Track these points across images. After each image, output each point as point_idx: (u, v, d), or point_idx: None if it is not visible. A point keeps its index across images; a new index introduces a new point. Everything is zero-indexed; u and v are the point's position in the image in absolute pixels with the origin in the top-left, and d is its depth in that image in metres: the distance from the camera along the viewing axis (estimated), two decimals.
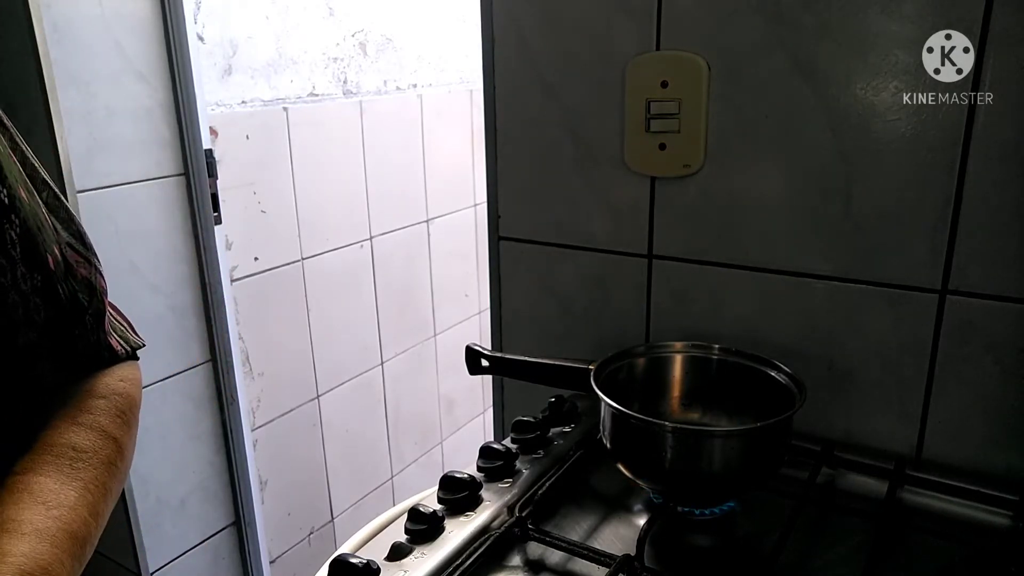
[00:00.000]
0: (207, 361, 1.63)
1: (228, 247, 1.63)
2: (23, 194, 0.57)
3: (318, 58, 1.79)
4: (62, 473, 0.55)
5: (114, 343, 0.66)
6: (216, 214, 1.57)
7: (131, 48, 1.40)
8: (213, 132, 1.56)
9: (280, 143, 1.73)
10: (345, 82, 1.87)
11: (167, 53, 1.46)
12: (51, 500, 0.53)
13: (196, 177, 1.54)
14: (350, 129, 1.90)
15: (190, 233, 1.56)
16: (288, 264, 1.80)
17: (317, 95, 1.80)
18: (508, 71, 0.92)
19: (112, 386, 0.64)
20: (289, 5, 1.70)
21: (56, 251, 0.60)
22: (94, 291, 0.64)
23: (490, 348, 0.91)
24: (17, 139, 0.61)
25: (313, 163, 1.80)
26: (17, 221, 0.55)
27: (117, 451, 0.61)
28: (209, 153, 1.54)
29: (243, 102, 1.65)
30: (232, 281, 1.66)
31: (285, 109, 1.73)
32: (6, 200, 0.54)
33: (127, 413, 0.64)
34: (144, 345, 0.71)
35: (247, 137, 1.65)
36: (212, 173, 1.55)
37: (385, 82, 1.99)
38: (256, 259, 1.72)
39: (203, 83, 1.51)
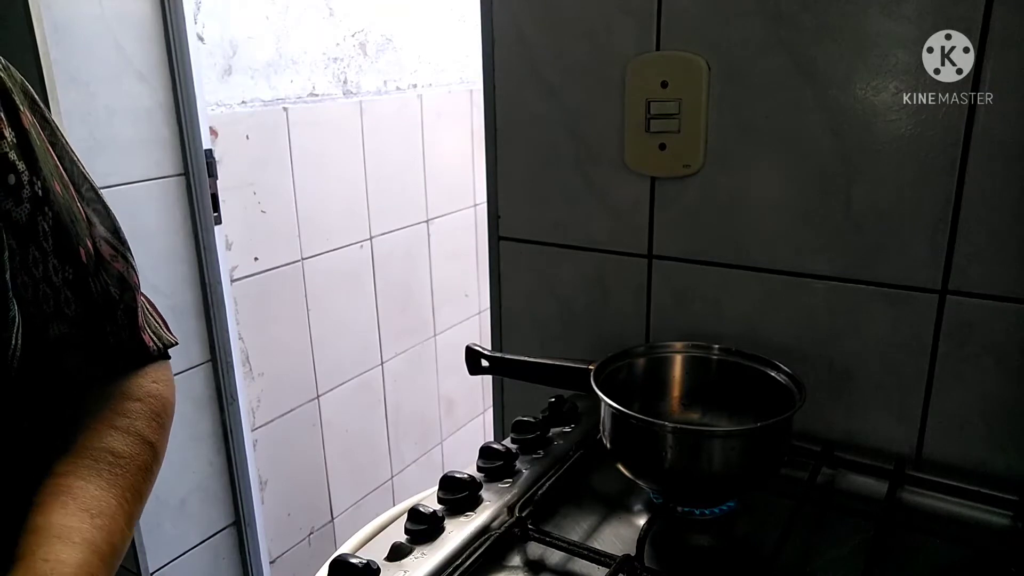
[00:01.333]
0: (207, 361, 1.63)
1: (228, 247, 1.63)
2: (58, 187, 0.57)
3: (318, 58, 1.79)
4: (102, 479, 0.56)
5: (147, 339, 0.66)
6: (216, 214, 1.57)
7: (131, 48, 1.40)
8: (213, 132, 1.56)
9: (280, 143, 1.73)
10: (345, 82, 1.87)
11: (167, 53, 1.46)
12: (94, 507, 0.53)
13: (196, 177, 1.54)
14: (350, 129, 1.90)
15: (190, 233, 1.56)
16: (288, 264, 1.80)
17: (317, 95, 1.80)
18: (508, 71, 0.92)
19: (146, 388, 0.64)
20: (289, 5, 1.70)
21: (89, 244, 0.60)
22: (126, 286, 0.63)
23: (490, 348, 0.91)
24: (58, 133, 0.61)
25: (313, 163, 1.80)
26: (50, 214, 0.55)
27: (152, 456, 0.61)
28: (209, 153, 1.54)
29: (243, 102, 1.65)
30: (232, 281, 1.66)
31: (285, 109, 1.73)
32: (40, 192, 0.55)
33: (162, 416, 0.65)
34: (176, 343, 0.71)
35: (247, 137, 1.65)
36: (212, 173, 1.55)
37: (385, 82, 1.99)
38: (256, 259, 1.72)
39: (203, 83, 1.51)
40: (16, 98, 0.55)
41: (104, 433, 0.59)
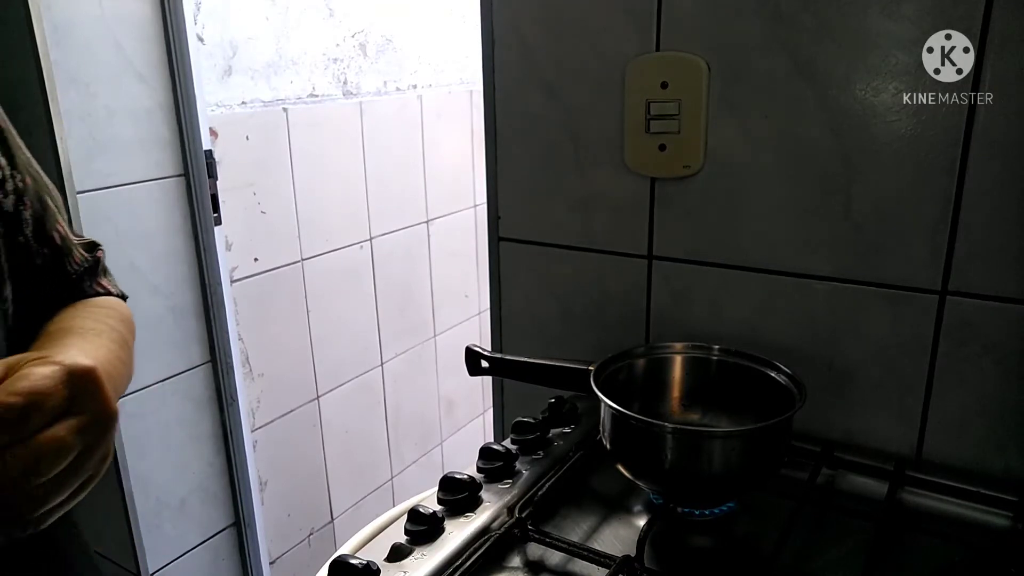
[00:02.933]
0: (207, 362, 1.63)
1: (228, 248, 1.63)
2: (29, 180, 0.61)
3: (318, 59, 1.79)
4: (90, 316, 0.60)
5: (107, 285, 0.71)
6: (216, 215, 1.57)
7: (131, 49, 1.40)
8: (213, 133, 1.56)
9: (280, 144, 1.73)
10: (345, 83, 1.87)
11: (167, 54, 1.46)
12: (90, 316, 0.59)
13: (196, 178, 1.54)
14: (350, 130, 1.90)
15: (190, 234, 1.56)
16: (288, 265, 1.80)
17: (317, 96, 1.80)
18: (508, 71, 0.92)
19: (110, 301, 0.68)
20: (289, 6, 1.70)
21: (61, 228, 0.65)
22: (96, 247, 0.70)
23: (490, 349, 0.91)
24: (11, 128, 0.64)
25: (313, 164, 1.80)
26: (29, 203, 0.60)
27: (130, 332, 0.64)
28: (209, 154, 1.54)
29: (243, 103, 1.65)
30: (232, 282, 1.66)
31: (285, 110, 1.73)
32: (20, 184, 0.59)
33: (129, 322, 0.67)
34: (127, 297, 0.75)
35: (247, 138, 1.65)
36: (212, 174, 1.55)
37: (385, 83, 1.99)
38: (256, 260, 1.72)
39: (203, 84, 1.51)
40: None
41: (83, 301, 0.64)
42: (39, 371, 0.40)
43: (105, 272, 0.72)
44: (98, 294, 0.68)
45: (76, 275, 0.66)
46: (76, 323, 0.58)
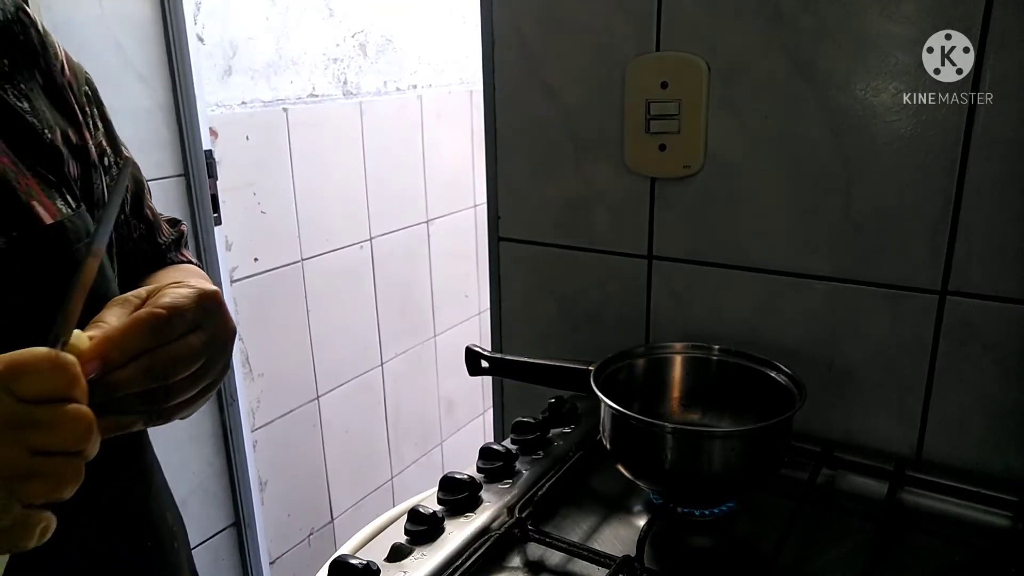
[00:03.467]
0: None
1: (228, 248, 1.63)
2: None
3: (318, 59, 1.79)
4: (180, 277, 0.65)
5: (188, 255, 0.78)
6: (216, 215, 1.57)
7: (131, 49, 1.40)
8: (213, 133, 1.56)
9: (280, 144, 1.73)
10: (345, 83, 1.87)
11: (167, 54, 1.46)
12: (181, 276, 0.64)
13: (196, 178, 1.53)
14: (350, 130, 1.90)
15: (190, 234, 1.56)
16: (288, 265, 1.79)
17: (317, 96, 1.80)
18: (508, 71, 0.92)
19: (192, 268, 0.75)
20: (289, 6, 1.70)
21: (151, 204, 0.73)
22: (179, 223, 0.78)
23: (490, 349, 0.91)
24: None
25: (313, 164, 1.80)
26: (128, 186, 0.69)
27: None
28: (209, 154, 1.54)
29: (243, 103, 1.65)
30: (232, 282, 1.65)
31: (285, 110, 1.73)
32: (121, 166, 0.68)
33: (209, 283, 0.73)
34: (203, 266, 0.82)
35: (247, 138, 1.65)
36: (212, 174, 1.55)
37: (385, 83, 1.99)
38: (256, 260, 1.71)
39: (203, 84, 1.51)
40: (100, 95, 0.68)
41: (164, 270, 0.71)
42: (178, 291, 0.49)
43: (186, 244, 0.80)
44: (182, 263, 0.76)
45: (164, 246, 0.74)
46: (169, 282, 0.63)
